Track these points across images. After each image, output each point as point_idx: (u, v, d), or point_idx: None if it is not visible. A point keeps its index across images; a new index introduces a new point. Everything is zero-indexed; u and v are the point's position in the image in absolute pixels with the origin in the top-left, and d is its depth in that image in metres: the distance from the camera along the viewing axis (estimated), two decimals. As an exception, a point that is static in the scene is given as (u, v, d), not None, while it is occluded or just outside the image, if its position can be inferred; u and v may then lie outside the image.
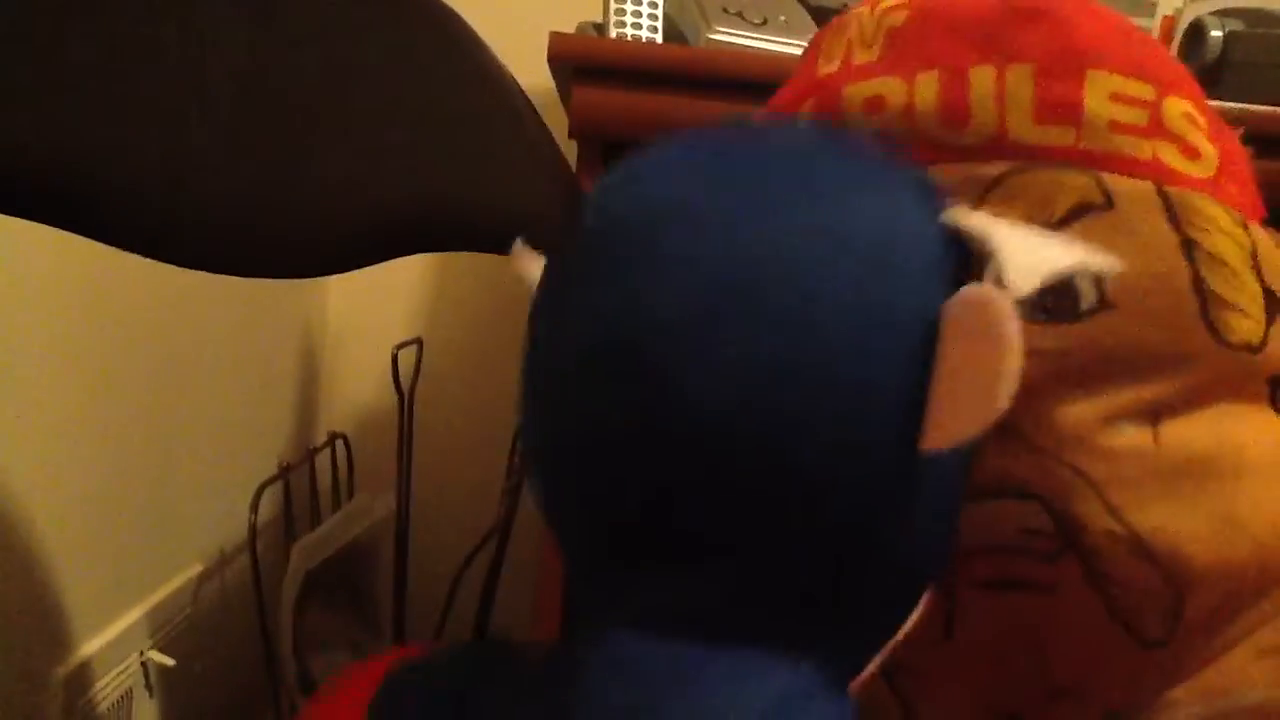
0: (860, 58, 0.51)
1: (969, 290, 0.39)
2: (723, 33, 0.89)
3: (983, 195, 0.46)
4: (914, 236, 0.41)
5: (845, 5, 0.96)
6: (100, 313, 0.85)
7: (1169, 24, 1.25)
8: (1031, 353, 0.44)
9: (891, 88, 0.49)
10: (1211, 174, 0.48)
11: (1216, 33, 0.95)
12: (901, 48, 0.49)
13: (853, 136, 0.46)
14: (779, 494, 0.40)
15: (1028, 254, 0.39)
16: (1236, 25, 0.96)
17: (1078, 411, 0.45)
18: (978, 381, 0.39)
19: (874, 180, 0.43)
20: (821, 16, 0.93)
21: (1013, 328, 0.38)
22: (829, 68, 0.52)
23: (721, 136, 0.45)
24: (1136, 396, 0.45)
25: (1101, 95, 0.46)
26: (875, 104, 0.49)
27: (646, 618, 0.43)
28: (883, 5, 0.52)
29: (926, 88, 0.48)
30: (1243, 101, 0.79)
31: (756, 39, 0.90)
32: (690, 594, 0.43)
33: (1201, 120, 0.48)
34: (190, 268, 0.49)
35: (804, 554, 0.42)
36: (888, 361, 0.40)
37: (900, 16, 0.50)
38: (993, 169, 0.47)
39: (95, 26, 0.44)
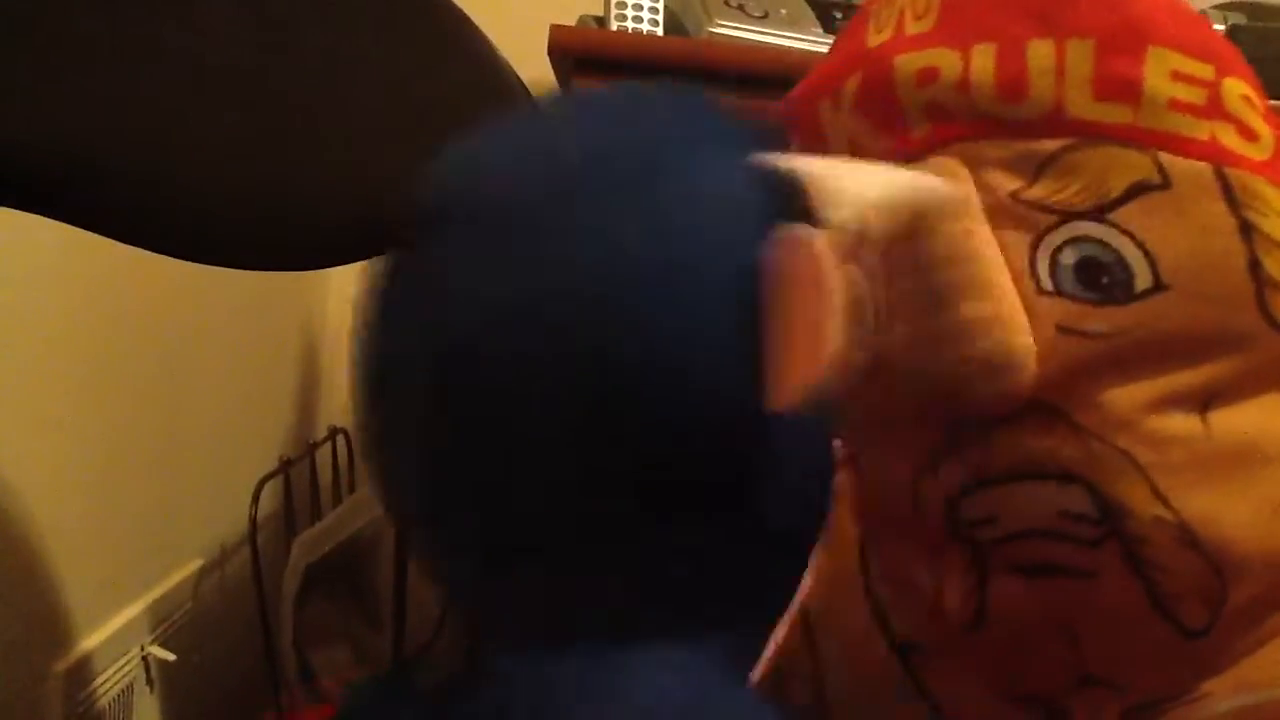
0: (913, 28, 0.49)
1: (784, 233, 0.38)
2: (724, 26, 0.89)
3: (1038, 171, 0.46)
4: (730, 186, 0.40)
5: (850, 1, 0.95)
6: (100, 307, 0.85)
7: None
8: (1082, 334, 0.44)
9: (946, 59, 0.48)
10: (1268, 156, 0.47)
11: (1219, 26, 0.95)
12: (957, 18, 0.48)
13: (676, 90, 0.44)
14: (626, 470, 0.39)
15: (844, 187, 0.38)
16: (1240, 19, 0.96)
17: (1127, 394, 0.44)
18: (805, 329, 0.37)
19: (690, 132, 0.41)
20: (823, 10, 0.93)
21: (829, 265, 0.37)
22: (880, 37, 0.51)
23: (545, 109, 0.44)
24: (1188, 380, 0.44)
25: (1162, 73, 0.45)
26: (929, 75, 0.48)
27: (533, 629, 0.42)
28: None
29: (983, 60, 0.47)
30: (1246, 95, 0.79)
31: (757, 32, 0.90)
32: (566, 597, 0.41)
33: (1258, 102, 0.48)
34: (190, 260, 0.49)
35: (671, 531, 0.40)
36: (712, 319, 0.38)
37: None
38: (1049, 145, 0.46)
39: (96, 20, 0.44)
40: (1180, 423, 0.44)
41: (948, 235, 0.44)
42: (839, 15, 0.93)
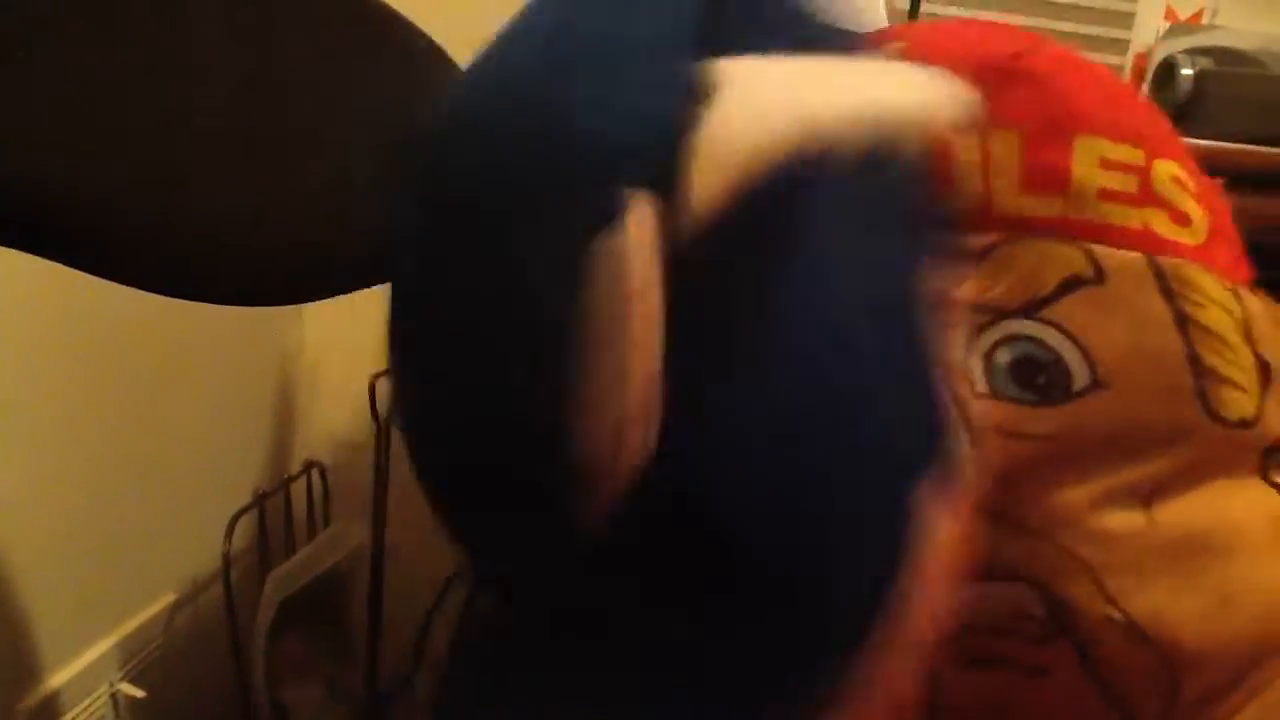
0: None
1: (600, 242, 0.30)
2: (702, 65, 0.90)
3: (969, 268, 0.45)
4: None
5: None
6: (73, 340, 0.84)
7: (1141, 62, 1.27)
8: (1021, 436, 0.43)
9: None
10: (1202, 240, 0.46)
11: (1187, 71, 0.97)
12: None
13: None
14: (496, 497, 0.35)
15: (726, 131, 0.30)
16: (1207, 63, 0.97)
17: (1070, 494, 0.43)
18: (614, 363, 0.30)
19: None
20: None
21: (641, 281, 0.29)
22: None
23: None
24: (1130, 477, 0.44)
25: (1090, 162, 0.45)
26: None
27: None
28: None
29: None
30: (1213, 138, 0.80)
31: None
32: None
33: (1190, 182, 0.47)
34: (162, 294, 0.49)
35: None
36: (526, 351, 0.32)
37: None
38: (978, 240, 0.45)
39: (91, 50, 0.44)
40: (1125, 519, 0.43)
41: None
42: (816, 56, 0.94)
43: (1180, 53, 1.00)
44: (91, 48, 0.44)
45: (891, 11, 1.12)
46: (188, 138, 0.47)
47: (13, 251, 0.45)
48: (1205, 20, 1.31)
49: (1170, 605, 0.43)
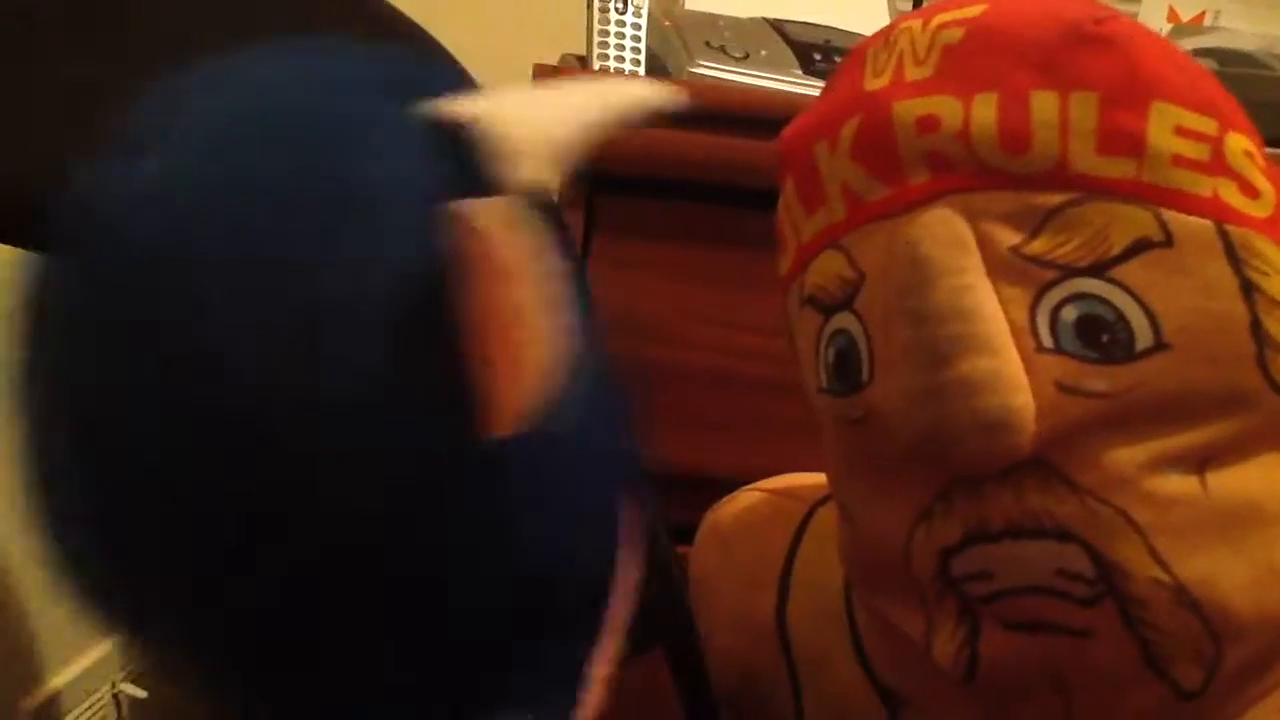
0: (913, 73, 0.48)
1: (456, 209, 0.31)
2: (704, 66, 0.90)
3: (1039, 225, 0.45)
4: (392, 160, 0.33)
5: (827, 41, 0.97)
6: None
7: (1144, 63, 1.27)
8: (1081, 393, 0.43)
9: (947, 107, 0.46)
10: (1270, 213, 0.47)
11: (1191, 72, 0.97)
12: (958, 65, 0.47)
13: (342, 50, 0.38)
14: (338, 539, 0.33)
15: (520, 133, 0.32)
16: (1210, 65, 0.97)
17: (1126, 455, 0.43)
18: (499, 328, 0.31)
19: (340, 112, 0.35)
20: (803, 52, 0.94)
21: (504, 244, 0.30)
22: (879, 81, 0.50)
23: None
24: (1187, 441, 0.44)
25: (1166, 128, 0.45)
26: (929, 123, 0.47)
27: None
28: (937, 20, 0.49)
29: (984, 109, 0.46)
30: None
31: (738, 73, 0.91)
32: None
33: (1259, 158, 0.47)
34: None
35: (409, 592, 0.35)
36: (385, 335, 0.32)
37: (957, 33, 0.48)
38: (1050, 199, 0.45)
39: (86, 56, 0.45)
40: (1178, 483, 0.43)
41: (948, 289, 0.44)
42: (818, 57, 0.94)
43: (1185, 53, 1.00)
44: (87, 54, 0.45)
45: (894, 12, 1.12)
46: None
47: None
48: (1208, 21, 1.32)
49: (1219, 572, 0.43)
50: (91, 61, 0.45)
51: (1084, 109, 0.45)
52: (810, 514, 0.63)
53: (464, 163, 0.33)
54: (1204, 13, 1.32)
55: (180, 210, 0.33)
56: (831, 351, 0.50)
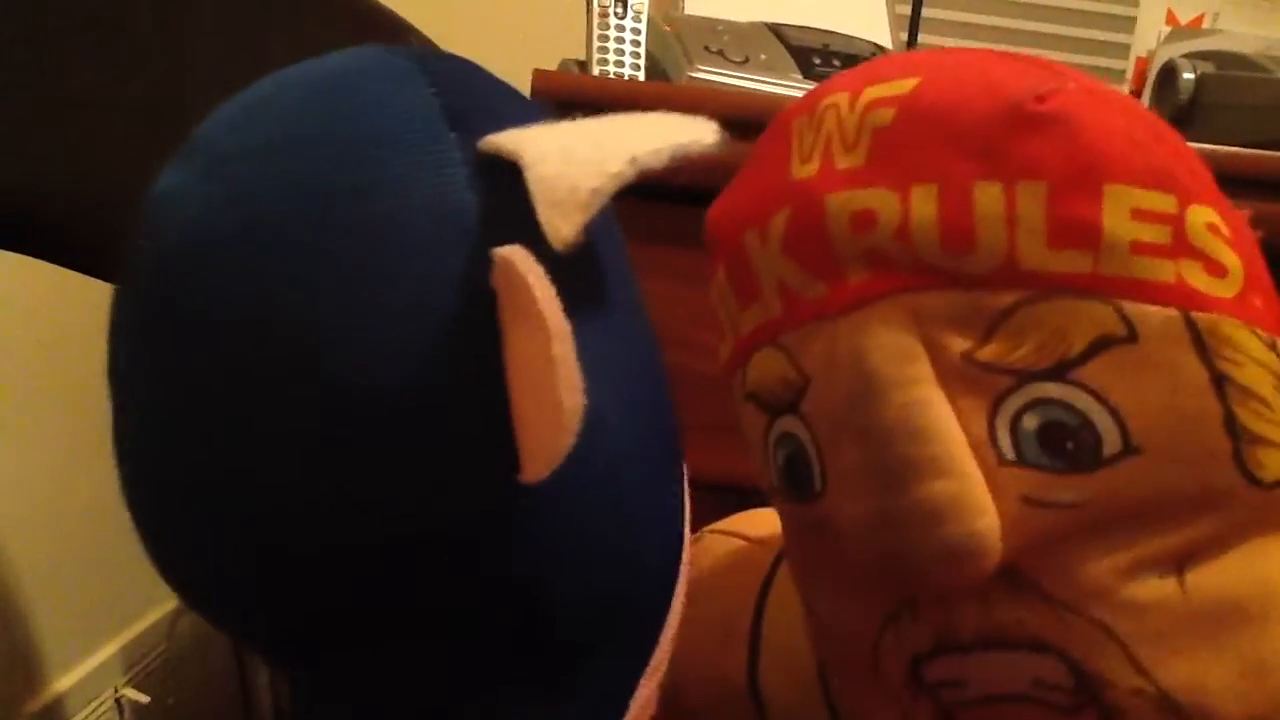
0: (843, 161, 0.44)
1: (497, 254, 0.31)
2: (704, 71, 0.90)
3: (991, 328, 0.42)
4: (428, 191, 0.33)
5: (826, 45, 0.97)
6: (82, 344, 0.85)
7: (1142, 66, 1.27)
8: (1049, 505, 0.41)
9: (882, 201, 0.43)
10: (1237, 290, 0.43)
11: (1189, 75, 0.97)
12: (891, 153, 0.43)
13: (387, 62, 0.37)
14: (373, 563, 0.34)
15: (560, 179, 0.31)
16: (1208, 68, 0.98)
17: (1100, 565, 0.41)
18: (537, 377, 0.31)
19: (372, 132, 0.35)
20: (801, 55, 0.94)
21: (543, 296, 0.30)
22: (807, 169, 0.46)
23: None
24: (1162, 544, 0.42)
25: (1121, 213, 0.41)
26: (864, 218, 0.43)
27: None
28: (865, 96, 0.45)
29: (923, 204, 0.42)
30: (1214, 143, 0.80)
31: (737, 77, 0.91)
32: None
33: (1224, 228, 0.44)
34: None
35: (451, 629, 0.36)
36: (418, 365, 0.32)
37: (888, 114, 0.44)
38: (1001, 299, 0.41)
39: (90, 56, 0.45)
40: (1157, 587, 0.41)
41: (898, 405, 0.41)
42: (818, 61, 0.94)
43: (1182, 57, 1.00)
44: (91, 62, 0.45)
45: (894, 15, 1.13)
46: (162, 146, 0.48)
47: (23, 258, 0.46)
48: (1207, 24, 1.32)
49: (1203, 674, 0.41)
50: (94, 69, 0.45)
51: (1031, 200, 0.41)
52: (777, 563, 0.60)
53: (505, 198, 0.33)
54: (1202, 15, 1.33)
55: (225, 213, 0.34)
56: (781, 454, 0.48)
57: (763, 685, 0.58)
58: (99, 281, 0.47)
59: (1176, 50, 1.07)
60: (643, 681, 0.42)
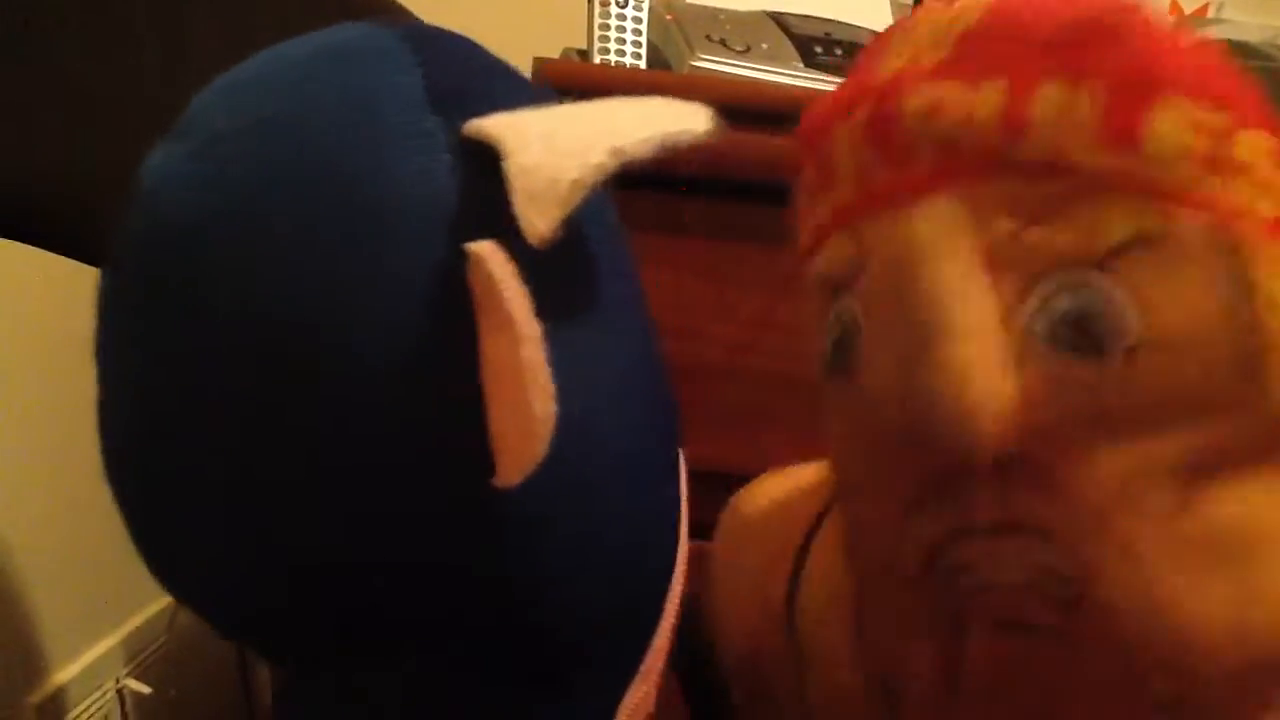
0: (928, 58, 0.47)
1: (470, 250, 0.30)
2: (706, 60, 0.90)
3: (1037, 214, 0.44)
4: (409, 175, 0.33)
5: (828, 34, 0.97)
6: (81, 337, 0.84)
7: (1147, 55, 1.27)
8: (1068, 386, 0.42)
9: (954, 93, 0.45)
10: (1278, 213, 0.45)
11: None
12: (971, 51, 0.46)
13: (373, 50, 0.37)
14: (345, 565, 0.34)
15: (540, 170, 0.30)
16: (1212, 56, 0.97)
17: (1109, 457, 0.42)
18: (507, 380, 0.30)
19: (357, 113, 0.34)
20: (804, 45, 0.94)
21: (511, 296, 0.29)
22: (895, 65, 0.49)
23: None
24: (1172, 447, 0.42)
25: (1172, 122, 0.43)
26: (936, 109, 0.46)
27: None
28: (960, 3, 0.48)
29: (990, 96, 0.44)
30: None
31: (739, 66, 0.90)
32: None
33: (1273, 153, 0.46)
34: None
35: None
36: (402, 348, 0.32)
37: (974, 17, 0.47)
38: (1050, 188, 0.44)
39: (85, 45, 0.45)
40: (1161, 495, 0.42)
41: (934, 274, 0.43)
42: (819, 50, 0.94)
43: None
44: (89, 52, 0.45)
45: (896, 3, 1.12)
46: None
47: (19, 245, 0.46)
48: (1211, 14, 1.31)
49: (1195, 589, 0.42)
50: (90, 59, 0.45)
51: (1090, 99, 0.43)
52: (829, 509, 0.62)
53: (489, 183, 0.32)
54: (1207, 4, 1.32)
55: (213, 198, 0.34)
56: (834, 331, 0.50)
57: (798, 615, 0.59)
58: (98, 274, 0.47)
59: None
60: (633, 686, 0.42)
